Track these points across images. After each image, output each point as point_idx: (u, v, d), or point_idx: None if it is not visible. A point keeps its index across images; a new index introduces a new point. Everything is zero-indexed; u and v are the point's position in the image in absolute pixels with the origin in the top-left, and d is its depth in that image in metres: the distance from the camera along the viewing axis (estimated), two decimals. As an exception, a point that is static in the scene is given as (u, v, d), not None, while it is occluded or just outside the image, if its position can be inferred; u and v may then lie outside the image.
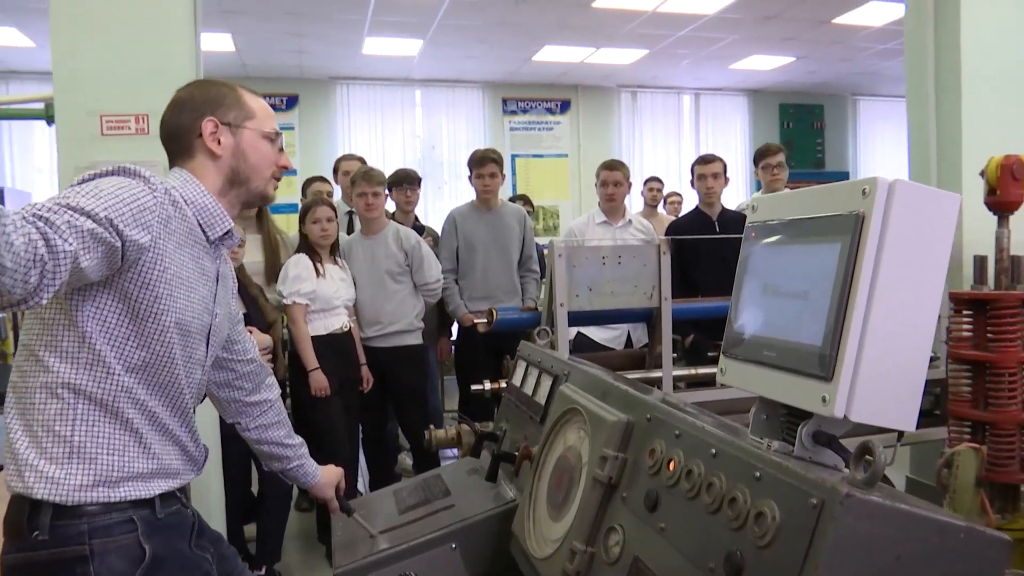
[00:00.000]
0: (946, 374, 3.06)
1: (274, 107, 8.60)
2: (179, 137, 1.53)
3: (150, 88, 2.74)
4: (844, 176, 10.30)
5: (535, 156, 9.47)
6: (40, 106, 4.15)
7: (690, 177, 4.26)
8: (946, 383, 3.05)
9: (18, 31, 6.74)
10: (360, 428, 4.02)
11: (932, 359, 3.35)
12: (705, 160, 4.20)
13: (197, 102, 1.53)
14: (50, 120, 3.93)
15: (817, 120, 10.38)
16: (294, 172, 8.60)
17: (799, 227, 1.16)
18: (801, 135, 10.26)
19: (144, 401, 1.42)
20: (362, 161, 4.93)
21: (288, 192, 8.37)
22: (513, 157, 9.30)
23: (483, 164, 4.23)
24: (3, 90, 8.01)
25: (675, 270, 3.83)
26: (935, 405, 3.33)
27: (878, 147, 10.41)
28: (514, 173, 9.31)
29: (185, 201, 1.47)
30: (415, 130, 9.20)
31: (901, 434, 1.06)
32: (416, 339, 3.99)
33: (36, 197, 7.45)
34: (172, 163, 1.56)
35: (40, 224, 1.11)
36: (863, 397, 1.02)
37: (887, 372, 1.03)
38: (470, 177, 4.31)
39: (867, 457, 0.95)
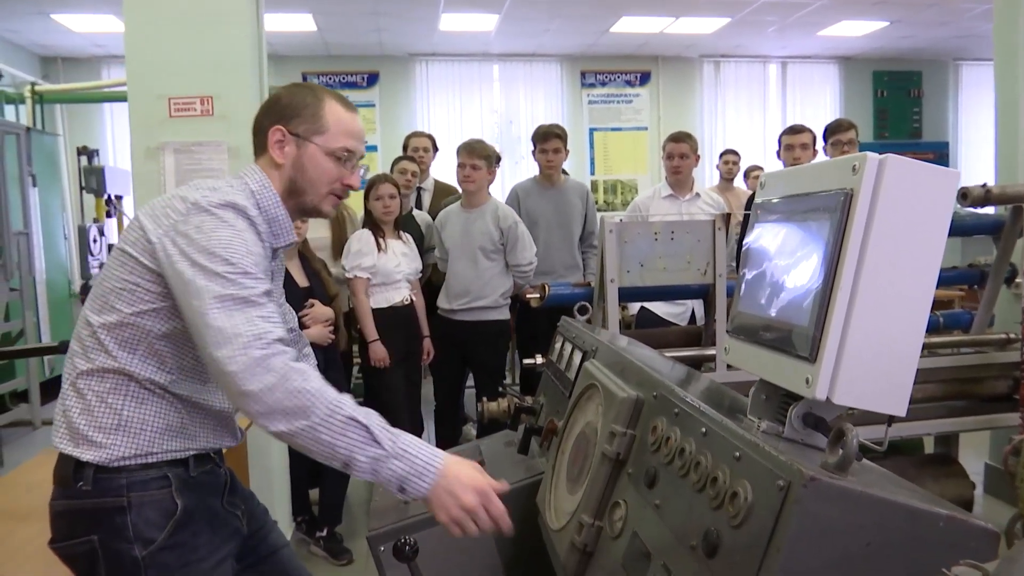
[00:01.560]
0: (1023, 357, 2.91)
1: (355, 84, 8.88)
2: (257, 135, 1.62)
3: (214, 72, 2.87)
4: (943, 146, 9.74)
5: (614, 130, 9.34)
6: (123, 89, 4.37)
7: (776, 148, 4.13)
8: (1023, 366, 2.90)
9: (115, 18, 7.10)
10: (433, 398, 4.12)
11: (1010, 340, 3.19)
12: (794, 130, 4.07)
13: (278, 107, 1.59)
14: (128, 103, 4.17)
15: (915, 88, 9.82)
16: (374, 148, 8.80)
17: (795, 204, 1.14)
18: (897, 104, 9.74)
19: (197, 391, 1.54)
20: (430, 138, 4.99)
21: (371, 169, 8.59)
22: (591, 131, 9.21)
23: (547, 139, 4.22)
24: (105, 74, 8.47)
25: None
26: (1014, 389, 3.16)
27: (981, 115, 9.75)
28: (592, 147, 9.22)
29: (260, 208, 1.54)
30: (493, 105, 9.22)
31: (892, 419, 1.03)
32: (501, 315, 4.04)
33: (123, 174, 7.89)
34: (255, 154, 1.64)
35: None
36: (847, 380, 1.00)
37: (874, 354, 1.00)
38: (534, 152, 4.31)
39: (841, 442, 0.93)
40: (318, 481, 3.54)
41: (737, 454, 1.04)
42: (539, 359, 2.91)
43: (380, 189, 3.66)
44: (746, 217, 3.57)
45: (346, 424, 1.29)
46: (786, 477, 0.91)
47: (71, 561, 1.53)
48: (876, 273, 0.99)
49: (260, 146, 1.61)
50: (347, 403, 1.33)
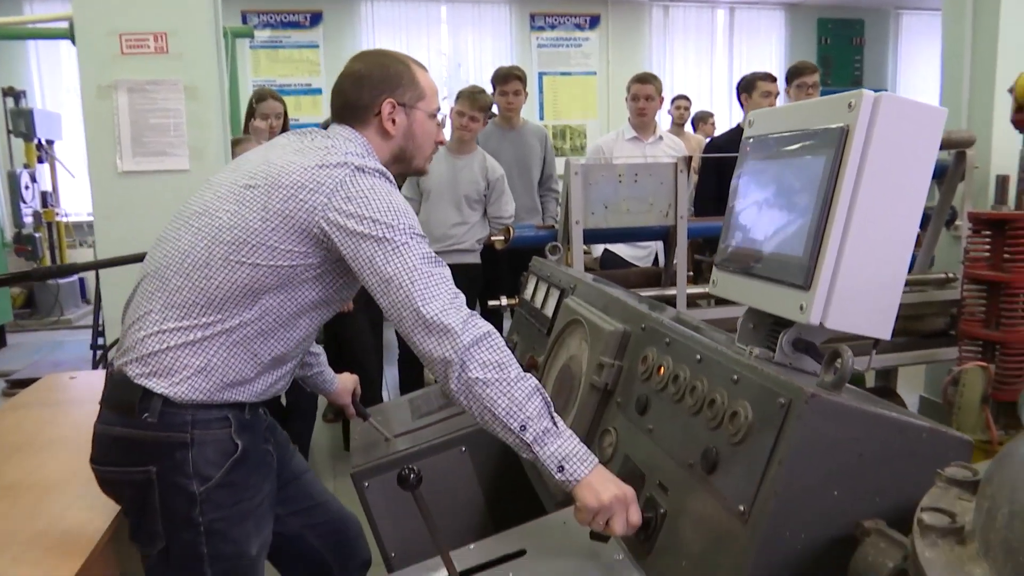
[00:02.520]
0: (961, 295, 3.07)
1: (297, 24, 8.61)
2: (357, 110, 1.60)
3: (167, 7, 2.76)
4: (881, 95, 9.99)
5: (563, 74, 9.30)
6: (65, 25, 4.16)
7: (738, 94, 4.17)
8: (961, 304, 3.06)
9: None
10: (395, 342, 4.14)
11: (949, 280, 3.36)
12: (773, 79, 4.08)
13: (376, 79, 1.60)
14: (75, 39, 3.97)
15: (857, 36, 10.00)
16: (319, 91, 8.59)
17: (789, 141, 1.18)
18: (840, 52, 9.92)
19: (286, 345, 1.55)
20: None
21: (314, 112, 8.38)
22: (540, 75, 9.15)
23: (507, 81, 4.20)
24: (27, 9, 8.00)
25: (712, 188, 3.83)
26: (950, 326, 3.35)
27: (920, 64, 10.03)
28: (541, 92, 9.17)
29: None
30: (441, 47, 9.07)
31: (877, 342, 1.10)
32: (475, 258, 4.06)
33: (66, 119, 7.55)
34: (339, 122, 1.63)
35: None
36: (839, 305, 1.06)
37: (864, 282, 1.07)
38: (492, 94, 4.28)
39: (836, 362, 1.00)
40: (282, 424, 3.55)
41: (735, 377, 1.10)
42: (504, 300, 2.95)
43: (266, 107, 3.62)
44: (703, 161, 3.65)
45: (533, 392, 1.35)
46: (787, 395, 0.98)
47: (115, 485, 1.53)
48: (869, 205, 1.05)
49: (356, 119, 1.61)
50: (532, 378, 1.38)
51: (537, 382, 1.38)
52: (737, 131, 4.15)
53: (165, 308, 1.47)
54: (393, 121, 1.60)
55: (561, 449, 1.30)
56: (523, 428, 1.32)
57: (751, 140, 1.31)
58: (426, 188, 3.91)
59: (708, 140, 5.30)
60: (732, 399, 1.08)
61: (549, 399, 1.37)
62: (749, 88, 4.08)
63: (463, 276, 3.94)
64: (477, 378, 1.34)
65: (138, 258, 1.84)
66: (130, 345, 1.49)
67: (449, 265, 4.34)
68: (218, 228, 1.47)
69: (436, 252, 4.23)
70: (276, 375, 1.59)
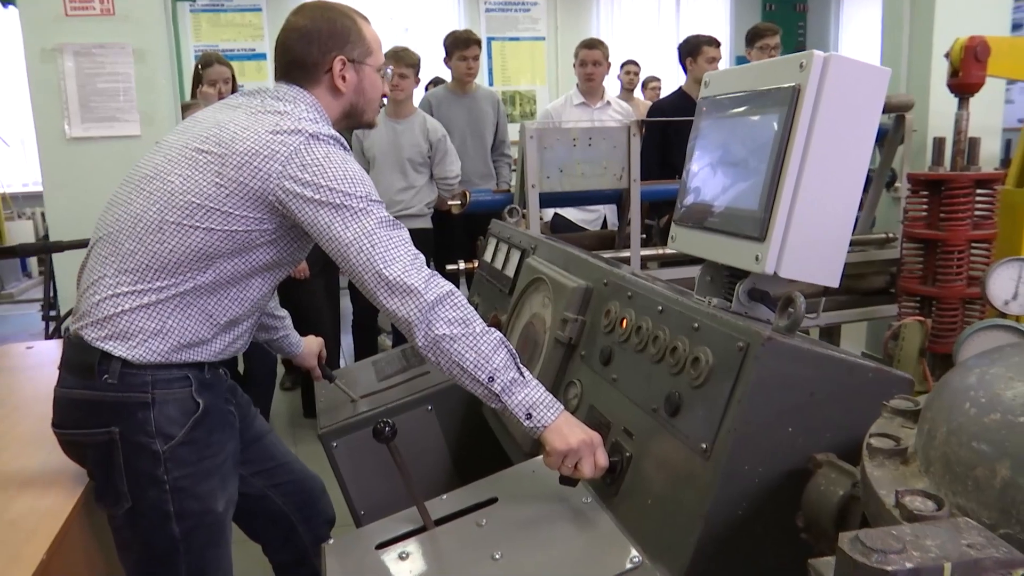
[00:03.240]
0: (901, 254, 3.21)
1: (240, -14, 8.34)
2: (305, 67, 1.58)
3: (113, -35, 2.68)
4: (824, 61, 10.18)
5: (511, 39, 9.25)
6: (-6, -15, 4.00)
7: (681, 58, 4.21)
8: (900, 262, 3.21)
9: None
10: (349, 309, 4.15)
11: (889, 240, 3.51)
12: (717, 43, 4.12)
13: (325, 36, 1.58)
14: (5, 2, 3.81)
15: (800, 2, 10.16)
16: (263, 56, 8.39)
17: (743, 101, 1.24)
18: (784, 17, 10.05)
19: (242, 305, 1.56)
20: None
21: (259, 78, 8.19)
22: (489, 40, 9.08)
23: (467, 46, 4.17)
24: (-47, -32, 7.61)
25: (655, 152, 3.89)
26: (891, 283, 3.50)
27: (861, 30, 10.23)
28: (490, 57, 9.11)
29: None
30: (388, 12, 8.92)
31: (827, 290, 1.17)
32: (425, 223, 4.07)
33: (-1, 84, 7.25)
34: (287, 80, 1.60)
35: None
36: (792, 256, 1.13)
37: (815, 233, 1.14)
38: (447, 60, 4.26)
39: (790, 307, 1.06)
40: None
41: (696, 325, 1.16)
42: (462, 264, 2.99)
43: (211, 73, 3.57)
44: (651, 126, 3.70)
45: (498, 344, 1.39)
46: (745, 339, 1.04)
47: (78, 448, 1.53)
48: (819, 160, 1.11)
49: (305, 76, 1.59)
50: (495, 332, 1.43)
51: (502, 335, 1.43)
52: (679, 95, 4.21)
53: (119, 272, 1.48)
54: (344, 78, 1.60)
55: (528, 397, 1.36)
56: (491, 379, 1.37)
57: (706, 100, 1.36)
58: (370, 155, 3.89)
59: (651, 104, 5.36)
60: (693, 345, 1.14)
61: (514, 351, 1.42)
62: (694, 52, 4.10)
63: (414, 241, 3.95)
64: (444, 334, 1.38)
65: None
66: (86, 309, 1.50)
67: None
68: (170, 192, 1.47)
69: None
70: (233, 335, 1.60)
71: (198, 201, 1.45)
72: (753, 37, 4.29)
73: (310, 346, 2.08)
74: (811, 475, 1.00)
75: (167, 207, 1.46)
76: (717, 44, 4.11)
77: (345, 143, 1.55)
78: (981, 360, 0.82)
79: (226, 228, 1.46)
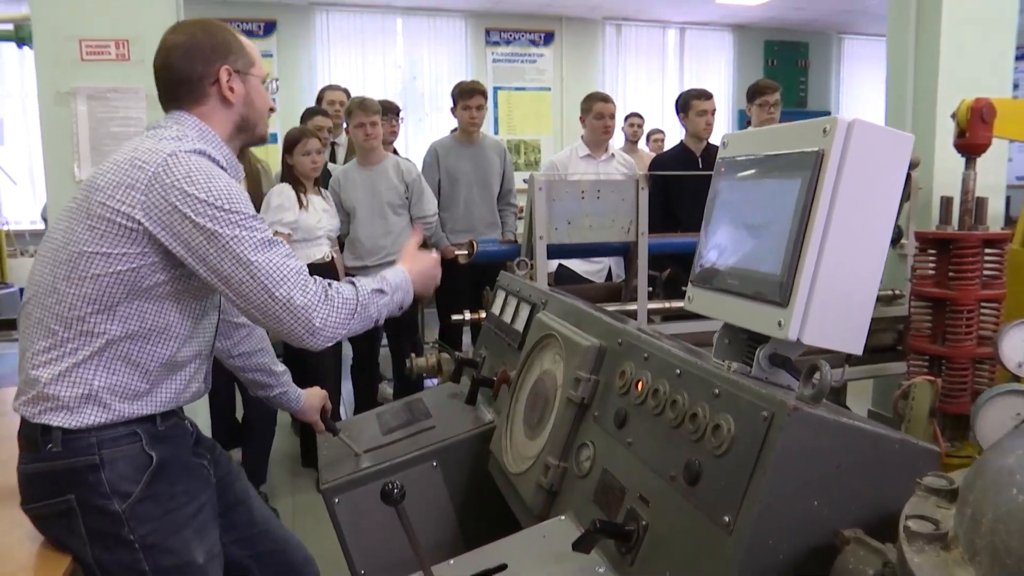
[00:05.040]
0: (908, 311, 3.19)
1: (251, 33, 8.52)
2: (191, 82, 1.54)
3: (130, 13, 2.72)
4: (826, 115, 10.27)
5: (517, 89, 9.38)
6: (9, 27, 4.04)
7: (677, 112, 4.26)
8: (908, 320, 3.18)
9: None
10: (350, 355, 4.11)
11: (896, 297, 3.49)
12: (707, 96, 4.19)
13: (206, 48, 1.54)
14: (21, 42, 3.84)
15: (802, 58, 10.33)
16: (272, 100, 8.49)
17: (765, 163, 1.23)
18: (786, 73, 10.21)
19: (171, 348, 1.53)
20: (346, 92, 4.89)
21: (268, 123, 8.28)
22: (496, 90, 9.20)
23: (471, 96, 4.22)
24: (-31, 10, 7.74)
25: (658, 205, 3.90)
26: (898, 341, 3.47)
27: (862, 87, 10.40)
28: (496, 106, 9.23)
29: (211, 154, 1.52)
30: (396, 60, 9.06)
31: (849, 357, 1.15)
32: None
33: (9, 124, 7.31)
34: (173, 106, 1.57)
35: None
36: (815, 322, 1.11)
37: (838, 299, 1.11)
38: (453, 109, 4.30)
39: (815, 376, 1.04)
40: (240, 442, 3.49)
41: (716, 391, 1.13)
42: (467, 314, 2.96)
43: (308, 144, 3.58)
44: (653, 178, 3.71)
45: (367, 302, 1.57)
46: (770, 408, 1.01)
47: (45, 520, 1.51)
48: (842, 225, 1.09)
49: (191, 94, 1.55)
50: (366, 285, 1.60)
51: (365, 291, 1.58)
52: (680, 148, 4.26)
53: (34, 342, 1.47)
54: (232, 89, 1.56)
55: (402, 301, 1.69)
56: (377, 320, 1.62)
57: (725, 161, 1.35)
58: (349, 206, 3.90)
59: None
60: (714, 412, 1.11)
61: (369, 282, 1.62)
62: (685, 107, 4.19)
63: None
64: (339, 334, 1.50)
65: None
66: (20, 386, 1.50)
67: None
68: (55, 249, 1.47)
69: (370, 266, 4.33)
70: (180, 380, 1.56)
71: (78, 250, 1.43)
72: (754, 94, 4.36)
73: (311, 400, 2.05)
74: (838, 552, 0.96)
75: (55, 264, 1.45)
76: (707, 96, 4.16)
77: (215, 158, 1.50)
78: (1017, 441, 0.79)
79: (112, 271, 1.42)
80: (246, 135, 1.63)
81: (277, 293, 1.40)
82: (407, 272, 1.72)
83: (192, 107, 1.55)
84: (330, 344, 1.52)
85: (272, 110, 1.69)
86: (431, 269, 1.82)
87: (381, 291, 1.61)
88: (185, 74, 1.54)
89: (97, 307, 1.43)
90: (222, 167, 1.51)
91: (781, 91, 4.31)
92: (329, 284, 1.51)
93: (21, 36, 3.69)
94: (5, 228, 7.11)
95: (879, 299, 3.48)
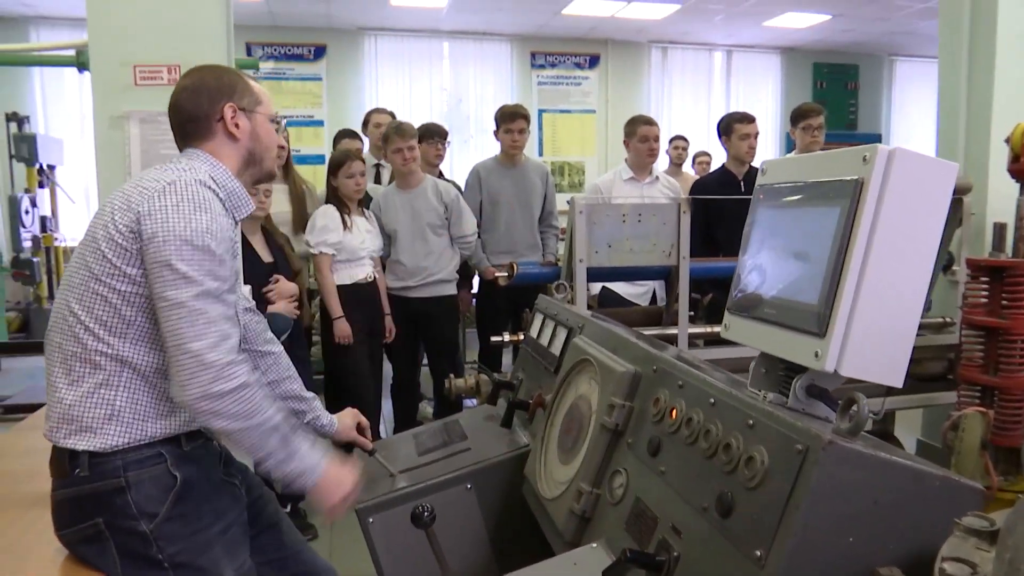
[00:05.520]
0: (959, 339, 3.10)
1: (301, 57, 8.72)
2: (198, 120, 1.62)
3: (182, 39, 2.81)
4: (876, 139, 10.13)
5: (562, 111, 9.42)
6: (71, 53, 4.20)
7: (719, 136, 4.24)
8: (959, 348, 3.09)
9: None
10: (391, 374, 4.15)
11: (947, 324, 3.40)
12: (749, 119, 4.16)
13: (213, 88, 1.63)
14: (81, 67, 4.00)
15: (851, 81, 10.18)
16: (321, 123, 8.67)
17: (803, 191, 1.21)
18: (835, 96, 10.08)
19: None
20: (392, 115, 4.97)
21: (315, 143, 8.45)
22: (540, 112, 9.26)
23: (513, 119, 4.25)
24: (34, 36, 8.08)
25: (698, 228, 3.87)
26: (948, 370, 3.37)
27: (913, 109, 10.20)
28: (541, 129, 9.28)
29: (217, 185, 1.58)
30: (442, 83, 9.18)
31: (890, 390, 1.12)
32: (452, 289, 4.11)
33: (68, 145, 7.58)
34: (185, 144, 1.65)
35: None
36: (854, 353, 1.08)
37: (878, 330, 1.09)
38: (496, 132, 4.34)
39: (852, 408, 1.01)
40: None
41: (751, 422, 1.11)
42: (507, 336, 2.97)
43: (353, 167, 3.64)
44: (694, 201, 3.69)
45: (271, 432, 1.50)
46: (805, 441, 0.99)
47: (79, 546, 1.54)
48: (882, 255, 1.07)
49: (200, 131, 1.63)
50: (276, 413, 1.53)
51: (279, 415, 1.51)
52: (722, 171, 4.22)
53: (56, 366, 1.53)
54: (237, 125, 1.62)
55: (294, 471, 1.54)
56: (263, 461, 1.52)
57: (763, 188, 1.34)
58: (391, 230, 3.94)
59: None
60: (748, 444, 1.09)
61: (288, 427, 1.54)
62: (728, 131, 4.15)
63: (440, 307, 4.02)
64: (221, 428, 1.47)
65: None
66: (48, 413, 1.54)
67: (426, 298, 4.43)
68: (71, 275, 1.54)
69: (412, 286, 4.26)
70: None
71: (88, 273, 1.49)
72: (797, 117, 4.33)
73: (344, 422, 2.05)
74: (875, 591, 0.94)
75: (70, 288, 1.52)
76: (750, 120, 4.13)
77: (217, 191, 1.54)
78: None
79: (120, 291, 1.48)
80: (254, 169, 1.69)
81: (191, 345, 1.41)
82: (324, 466, 1.60)
83: (201, 143, 1.63)
84: (200, 402, 1.45)
85: (283, 148, 1.77)
86: (339, 485, 1.63)
87: (288, 445, 1.53)
88: (192, 112, 1.62)
89: (110, 328, 1.49)
90: (220, 200, 1.55)
91: (826, 114, 4.25)
92: (241, 363, 1.47)
93: (82, 62, 3.84)
94: (62, 245, 7.36)
95: (929, 327, 3.42)
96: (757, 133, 4.15)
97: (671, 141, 7.00)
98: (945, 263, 3.62)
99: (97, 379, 1.49)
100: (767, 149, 9.34)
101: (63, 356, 1.51)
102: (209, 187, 1.52)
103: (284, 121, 1.77)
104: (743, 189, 4.06)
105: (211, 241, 1.46)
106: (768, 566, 0.98)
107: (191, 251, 1.44)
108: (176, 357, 1.42)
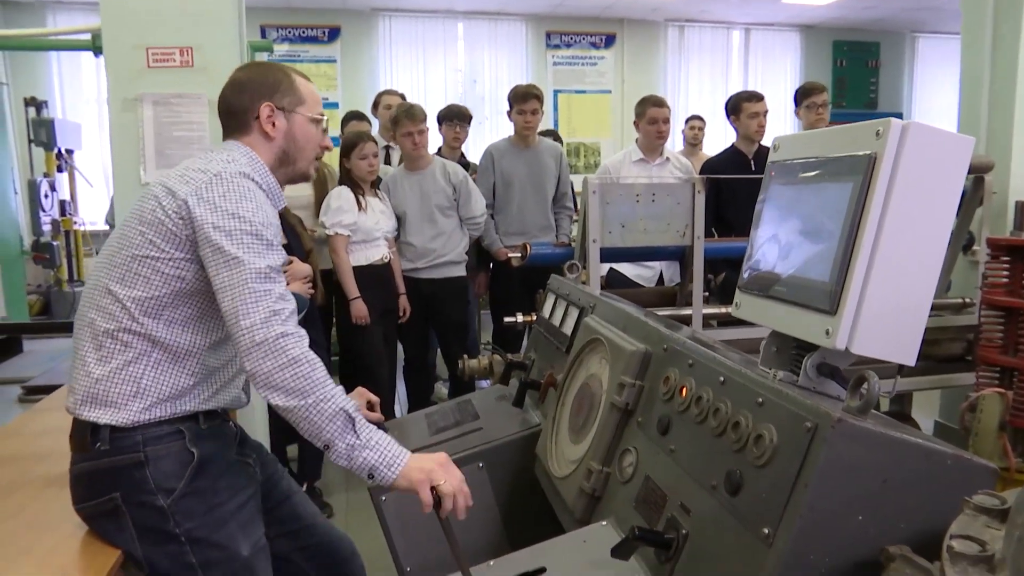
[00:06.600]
0: (979, 320, 3.06)
1: (315, 39, 8.70)
2: (237, 115, 1.67)
3: (194, 22, 2.80)
4: (898, 117, 9.87)
5: (578, 92, 9.33)
6: (87, 37, 4.21)
7: (727, 115, 4.20)
8: (978, 329, 3.05)
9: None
10: (402, 355, 4.17)
11: (966, 305, 3.35)
12: (758, 98, 4.13)
13: (256, 85, 1.66)
14: (97, 51, 4.01)
15: (872, 58, 10.00)
16: (335, 105, 8.65)
17: (816, 167, 1.19)
18: (855, 74, 9.91)
19: (215, 353, 1.60)
20: (402, 97, 4.95)
21: (330, 126, 8.43)
22: (555, 93, 9.18)
23: (526, 100, 4.22)
24: (50, 21, 8.11)
25: (709, 208, 3.84)
26: (967, 351, 3.33)
27: (936, 88, 10.00)
28: (556, 109, 9.21)
29: (258, 178, 1.62)
30: (457, 64, 9.12)
31: (901, 368, 1.11)
32: (462, 271, 4.11)
33: (86, 129, 7.63)
34: (228, 135, 1.69)
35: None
36: (865, 331, 1.07)
37: (890, 308, 1.07)
38: (509, 112, 4.31)
39: (862, 387, 1.00)
40: (297, 437, 3.56)
41: (760, 400, 1.11)
42: (520, 317, 2.96)
43: (366, 148, 3.64)
44: (705, 182, 3.65)
45: (334, 415, 1.43)
46: (814, 419, 0.98)
47: (96, 520, 1.57)
48: (895, 232, 1.05)
49: (239, 125, 1.67)
50: (340, 395, 1.46)
51: (343, 398, 1.45)
52: (732, 151, 4.18)
53: (87, 342, 1.55)
54: (273, 124, 1.65)
55: (367, 460, 1.44)
56: (327, 447, 1.45)
57: (776, 165, 1.32)
58: (400, 211, 3.94)
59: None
60: (757, 422, 1.09)
61: (354, 411, 1.45)
62: (736, 110, 4.13)
63: (449, 289, 4.02)
64: (277, 405, 1.43)
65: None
66: (71, 385, 1.57)
67: (435, 279, 4.41)
68: (111, 254, 1.56)
69: (422, 268, 4.22)
70: (219, 380, 1.63)
71: (130, 253, 1.52)
72: (801, 95, 4.32)
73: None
74: (883, 569, 0.93)
75: (111, 268, 1.54)
76: (759, 98, 4.09)
77: (259, 182, 1.57)
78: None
79: (160, 273, 1.51)
80: (287, 168, 1.71)
81: (243, 322, 1.43)
82: (404, 467, 1.47)
83: (240, 137, 1.67)
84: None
85: (327, 148, 1.79)
86: (423, 478, 1.47)
87: (355, 430, 1.45)
88: (233, 107, 1.67)
89: (147, 308, 1.52)
90: (263, 191, 1.59)
91: (828, 92, 4.21)
92: (294, 336, 1.45)
93: (97, 45, 3.85)
94: (81, 228, 7.42)
95: (948, 307, 3.38)
96: (766, 111, 4.11)
97: (687, 121, 6.90)
98: (965, 243, 3.57)
99: (127, 357, 1.52)
100: (786, 129, 9.22)
101: (94, 332, 1.54)
102: (252, 179, 1.56)
103: (325, 120, 1.77)
104: (753, 168, 4.02)
105: (259, 226, 1.49)
106: (776, 544, 0.98)
107: (240, 235, 1.47)
108: (233, 335, 1.45)
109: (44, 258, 6.92)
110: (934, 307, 3.39)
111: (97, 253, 7.70)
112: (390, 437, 1.49)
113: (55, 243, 7.01)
